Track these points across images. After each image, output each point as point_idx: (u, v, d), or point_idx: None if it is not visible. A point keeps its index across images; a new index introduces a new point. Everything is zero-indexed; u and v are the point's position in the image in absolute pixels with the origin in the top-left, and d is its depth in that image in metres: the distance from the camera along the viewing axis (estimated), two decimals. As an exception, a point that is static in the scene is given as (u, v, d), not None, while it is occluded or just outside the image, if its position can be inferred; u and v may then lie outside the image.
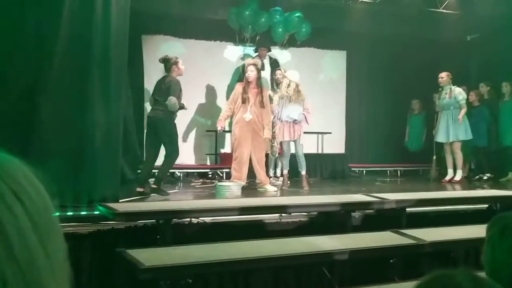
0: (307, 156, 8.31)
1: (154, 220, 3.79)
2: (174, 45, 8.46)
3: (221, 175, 7.68)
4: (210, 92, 8.61)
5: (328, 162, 8.46)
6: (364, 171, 9.03)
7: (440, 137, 7.72)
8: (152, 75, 8.29)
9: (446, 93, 7.62)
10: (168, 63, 5.64)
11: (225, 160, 7.94)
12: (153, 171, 5.73)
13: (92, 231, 3.65)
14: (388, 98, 9.38)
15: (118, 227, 3.78)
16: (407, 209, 4.47)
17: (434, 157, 8.20)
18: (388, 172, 8.98)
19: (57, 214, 0.65)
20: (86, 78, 4.48)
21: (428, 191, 6.21)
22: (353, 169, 8.81)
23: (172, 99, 5.31)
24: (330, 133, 9.44)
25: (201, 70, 8.62)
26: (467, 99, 8.26)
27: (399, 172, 8.89)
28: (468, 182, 7.97)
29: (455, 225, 4.32)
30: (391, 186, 7.11)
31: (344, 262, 3.67)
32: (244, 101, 6.16)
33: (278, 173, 7.15)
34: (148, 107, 8.22)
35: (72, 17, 4.40)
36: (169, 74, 5.62)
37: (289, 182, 6.61)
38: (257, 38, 8.29)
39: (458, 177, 7.61)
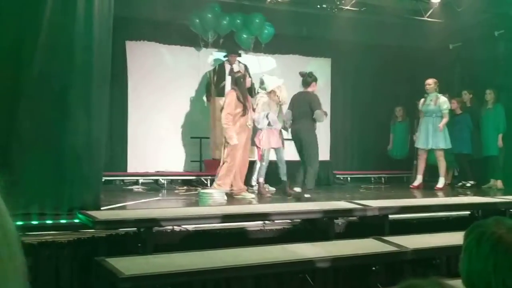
0: (292, 163, 8.33)
1: (135, 228, 3.74)
2: (159, 51, 8.43)
3: (206, 182, 7.63)
4: (196, 98, 8.57)
5: (312, 169, 8.45)
6: (349, 178, 9.06)
7: (420, 143, 7.81)
8: (136, 80, 8.26)
9: (431, 100, 7.70)
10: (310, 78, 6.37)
11: (210, 167, 7.90)
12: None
13: (71, 240, 3.59)
14: (373, 105, 9.42)
15: (99, 235, 3.73)
16: (390, 216, 4.49)
17: (415, 162, 8.30)
18: (372, 179, 9.02)
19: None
20: (67, 86, 4.43)
21: (411, 198, 6.25)
22: (337, 176, 8.82)
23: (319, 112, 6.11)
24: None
25: (187, 76, 8.60)
26: (450, 107, 8.37)
27: (383, 179, 8.93)
28: (451, 189, 8.05)
29: (438, 232, 4.34)
30: (375, 193, 7.14)
31: (327, 270, 3.67)
32: (246, 108, 6.13)
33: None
34: (131, 113, 8.19)
35: (53, 25, 4.36)
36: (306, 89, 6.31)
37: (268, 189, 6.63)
38: (220, 41, 8.27)
39: (441, 184, 7.69)
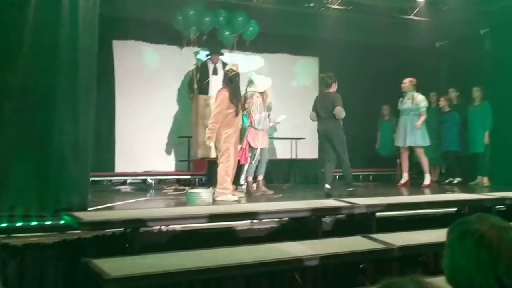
0: (281, 161, 8.36)
1: (122, 229, 3.71)
2: (146, 51, 8.39)
3: (194, 181, 7.63)
4: (183, 97, 8.54)
5: (301, 167, 8.50)
6: (337, 176, 9.08)
7: (398, 141, 7.91)
8: (123, 80, 8.21)
9: (408, 99, 7.81)
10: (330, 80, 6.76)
11: (198, 166, 7.89)
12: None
13: (57, 241, 3.55)
14: (360, 104, 9.45)
15: (85, 236, 3.69)
16: (377, 213, 4.51)
17: (398, 161, 8.41)
18: (361, 177, 9.06)
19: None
20: (53, 85, 4.39)
21: (398, 195, 6.29)
22: (326, 174, 8.84)
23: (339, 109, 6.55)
24: (304, 138, 9.49)
25: (174, 75, 8.57)
26: (438, 105, 8.45)
27: (371, 177, 8.97)
28: (439, 186, 8.12)
29: (425, 229, 4.37)
30: (363, 191, 7.16)
31: (315, 268, 3.67)
32: (238, 108, 6.11)
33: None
34: (118, 113, 8.13)
35: (37, 24, 4.30)
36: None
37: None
38: (203, 39, 8.25)
39: (427, 181, 7.77)
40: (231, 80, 6.10)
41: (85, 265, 3.12)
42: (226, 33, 8.32)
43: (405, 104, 7.80)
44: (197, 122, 7.73)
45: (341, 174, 9.03)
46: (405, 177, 7.92)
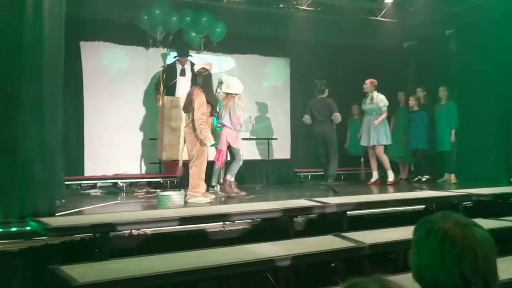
0: (254, 162, 8.36)
1: (91, 234, 3.64)
2: (115, 52, 8.26)
3: (165, 184, 7.55)
4: (150, 99, 8.42)
5: (274, 168, 8.52)
6: (310, 176, 9.15)
7: (363, 141, 8.09)
8: (92, 81, 8.07)
9: (369, 99, 8.00)
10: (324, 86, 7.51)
11: (169, 168, 7.81)
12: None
13: (23, 248, 3.45)
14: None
15: (52, 242, 3.60)
16: (348, 212, 4.56)
17: (362, 160, 8.67)
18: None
19: None
20: (16, 88, 4.26)
21: (368, 194, 6.38)
22: (298, 174, 8.90)
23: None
24: (276, 139, 9.53)
25: (143, 77, 8.47)
26: (407, 104, 8.61)
27: (342, 176, 9.07)
28: (408, 183, 8.27)
29: (394, 227, 4.44)
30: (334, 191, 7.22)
31: (287, 268, 3.68)
32: (214, 109, 6.05)
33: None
34: (87, 115, 7.98)
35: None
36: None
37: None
38: (170, 39, 8.13)
39: (391, 178, 7.95)
40: (205, 80, 6.00)
41: (52, 272, 3.05)
42: (193, 34, 8.23)
43: (367, 104, 8.02)
44: (162, 124, 7.58)
45: (312, 173, 9.19)
46: (375, 175, 8.06)
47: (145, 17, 7.79)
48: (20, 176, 4.20)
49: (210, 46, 8.54)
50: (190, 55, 8.18)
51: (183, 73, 8.03)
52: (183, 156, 6.20)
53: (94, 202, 5.76)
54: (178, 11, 8.00)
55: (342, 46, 9.45)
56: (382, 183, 7.96)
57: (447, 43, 9.00)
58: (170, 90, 7.82)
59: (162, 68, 8.11)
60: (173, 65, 8.05)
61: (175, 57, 8.14)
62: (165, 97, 7.65)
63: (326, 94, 7.68)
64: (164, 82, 7.81)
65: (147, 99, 8.47)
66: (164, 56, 8.36)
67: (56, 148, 4.67)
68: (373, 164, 8.09)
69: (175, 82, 7.86)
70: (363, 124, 8.11)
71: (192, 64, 7.79)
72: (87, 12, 7.42)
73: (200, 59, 8.09)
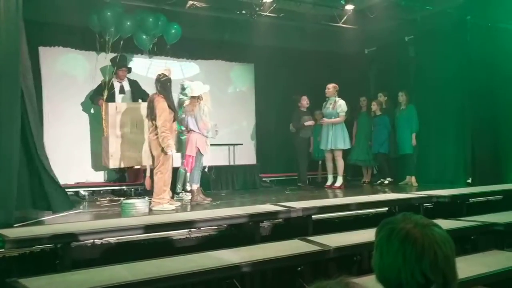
0: (219, 168, 8.33)
1: (52, 245, 3.53)
2: (75, 57, 8.07)
3: (130, 192, 7.42)
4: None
5: (239, 173, 8.52)
6: (275, 181, 9.19)
7: (322, 145, 8.29)
8: (50, 87, 7.85)
9: (330, 104, 8.18)
10: None
11: (133, 176, 7.68)
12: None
13: (-21, 261, 3.32)
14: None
15: (11, 254, 3.48)
16: (313, 216, 4.60)
17: (320, 163, 8.87)
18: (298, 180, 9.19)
19: None
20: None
21: (333, 197, 6.46)
22: (264, 179, 8.93)
23: None
24: (241, 144, 9.52)
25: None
26: (370, 109, 8.79)
27: (307, 180, 9.14)
28: (371, 186, 8.43)
29: (358, 229, 4.51)
30: (300, 195, 7.29)
31: (253, 273, 3.67)
32: (176, 114, 6.00)
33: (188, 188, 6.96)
34: (47, 122, 7.75)
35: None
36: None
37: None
38: (121, 43, 7.71)
39: (339, 183, 8.15)
40: (164, 86, 5.91)
41: (10, 285, 2.93)
42: (144, 36, 7.90)
43: (328, 108, 8.19)
44: (107, 131, 7.28)
45: (277, 178, 9.24)
46: (330, 179, 8.27)
47: (96, 20, 7.40)
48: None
49: (168, 51, 8.37)
50: (129, 67, 7.90)
51: (122, 90, 7.70)
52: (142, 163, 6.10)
53: (55, 212, 5.59)
54: (130, 16, 7.65)
55: (306, 52, 9.56)
56: (347, 187, 8.11)
57: (407, 49, 9.25)
58: (110, 97, 7.52)
59: (107, 77, 7.71)
60: (110, 82, 7.65)
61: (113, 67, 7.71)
62: (109, 103, 7.32)
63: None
64: (109, 88, 7.50)
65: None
66: (114, 61, 7.85)
67: (13, 157, 4.50)
68: (329, 168, 8.27)
69: (114, 92, 7.58)
70: (323, 128, 8.27)
71: (132, 81, 7.63)
72: (44, 16, 7.21)
73: (163, 64, 7.98)
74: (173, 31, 8.05)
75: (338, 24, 8.69)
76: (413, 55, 9.19)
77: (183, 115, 6.57)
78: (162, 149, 5.73)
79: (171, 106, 5.88)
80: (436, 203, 5.53)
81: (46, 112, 7.77)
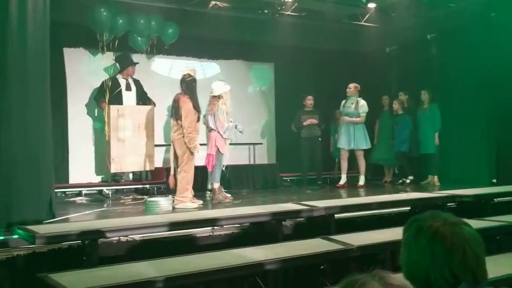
0: (240, 167, 8.37)
1: (79, 241, 3.62)
2: (100, 58, 8.20)
3: (152, 190, 7.51)
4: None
5: (259, 172, 8.54)
6: (295, 180, 9.19)
7: (342, 144, 8.18)
8: (75, 88, 8.00)
9: (352, 103, 8.12)
10: None
11: (155, 175, 7.78)
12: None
13: (10, 257, 3.42)
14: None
15: (40, 250, 3.57)
16: (335, 215, 4.60)
17: (337, 160, 8.77)
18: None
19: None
20: (0, 95, 4.22)
21: (355, 197, 6.44)
22: (284, 178, 8.94)
23: None
24: (261, 143, 9.56)
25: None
26: (392, 108, 8.73)
27: (328, 179, 9.12)
28: (392, 186, 8.38)
29: (381, 228, 4.49)
30: (321, 194, 7.28)
31: (276, 271, 3.70)
32: (200, 115, 6.04)
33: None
34: (71, 122, 7.89)
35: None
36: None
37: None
38: (116, 43, 7.59)
39: (362, 182, 8.11)
40: (189, 86, 5.97)
41: (41, 280, 3.02)
42: (139, 38, 7.84)
43: (349, 108, 8.12)
44: (109, 135, 7.19)
45: (298, 178, 9.23)
46: (344, 178, 8.23)
47: (93, 19, 7.29)
48: (5, 184, 4.15)
49: (197, 52, 8.40)
50: (137, 62, 7.84)
51: (128, 87, 7.66)
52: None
53: (81, 210, 5.71)
54: (127, 15, 7.59)
55: (327, 51, 9.53)
56: (350, 186, 8.11)
57: (429, 47, 9.15)
58: (116, 98, 7.45)
59: (108, 77, 7.73)
60: (115, 79, 7.64)
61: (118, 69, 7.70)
62: (111, 106, 7.23)
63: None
64: (110, 89, 7.42)
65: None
66: (122, 58, 7.84)
67: (44, 156, 4.61)
68: (344, 167, 8.23)
69: (120, 91, 7.53)
70: (342, 128, 8.19)
71: (135, 80, 7.66)
72: (69, 17, 7.32)
73: (186, 64, 8.05)
74: (170, 31, 7.92)
75: (360, 23, 8.65)
76: (435, 53, 9.09)
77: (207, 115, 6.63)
78: (187, 148, 5.80)
79: (195, 106, 5.93)
80: (459, 203, 5.47)
81: (70, 111, 7.92)
